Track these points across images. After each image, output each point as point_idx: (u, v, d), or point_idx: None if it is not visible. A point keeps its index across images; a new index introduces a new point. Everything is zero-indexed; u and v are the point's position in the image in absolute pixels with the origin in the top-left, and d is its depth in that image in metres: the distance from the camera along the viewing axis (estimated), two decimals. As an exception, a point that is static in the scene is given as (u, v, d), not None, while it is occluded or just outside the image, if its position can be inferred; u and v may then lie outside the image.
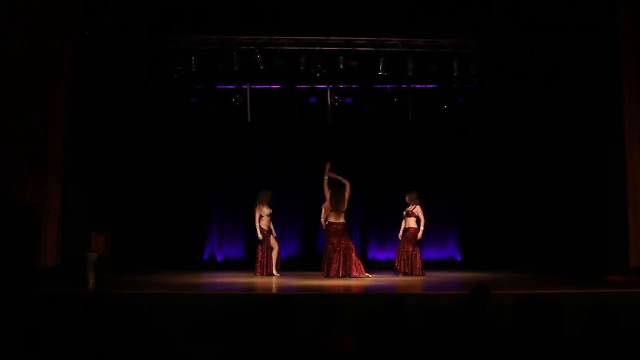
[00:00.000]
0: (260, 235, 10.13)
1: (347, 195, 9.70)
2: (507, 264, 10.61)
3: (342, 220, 9.71)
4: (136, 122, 10.69)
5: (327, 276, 9.48)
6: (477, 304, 4.25)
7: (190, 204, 11.69)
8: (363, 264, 9.75)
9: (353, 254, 9.58)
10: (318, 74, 10.50)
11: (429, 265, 11.28)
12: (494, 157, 11.49)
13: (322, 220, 10.14)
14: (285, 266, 10.67)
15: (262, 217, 10.18)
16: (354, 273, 9.49)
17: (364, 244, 12.02)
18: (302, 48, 10.34)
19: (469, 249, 11.85)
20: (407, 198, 10.30)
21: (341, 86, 11.35)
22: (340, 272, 9.45)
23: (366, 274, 9.58)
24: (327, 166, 9.88)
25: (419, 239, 10.23)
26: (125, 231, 10.07)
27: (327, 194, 9.75)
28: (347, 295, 7.43)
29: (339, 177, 9.82)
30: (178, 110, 11.43)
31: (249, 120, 11.22)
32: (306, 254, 11.93)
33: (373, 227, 12.06)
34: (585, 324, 3.28)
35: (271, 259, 10.14)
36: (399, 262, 10.15)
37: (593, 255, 9.31)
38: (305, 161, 11.78)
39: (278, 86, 11.44)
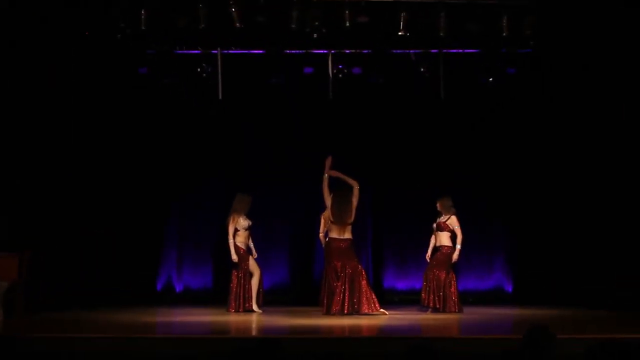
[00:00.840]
0: (235, 257, 10.12)
1: (354, 201, 9.68)
2: (575, 298, 10.59)
3: (347, 235, 9.69)
4: (64, 100, 10.65)
5: (328, 313, 9.47)
6: (535, 352, 4.23)
7: (140, 213, 11.67)
8: (377, 296, 9.74)
9: (363, 283, 9.57)
10: (316, 35, 10.47)
11: (469, 297, 11.25)
12: (558, 148, 11.46)
13: (321, 235, 10.11)
14: (269, 299, 10.65)
15: (238, 232, 10.17)
16: (365, 309, 9.48)
17: (378, 268, 12.01)
18: (294, -2, 10.31)
19: (523, 276, 11.83)
20: (438, 206, 10.29)
21: (347, 51, 11.34)
22: (346, 307, 9.44)
23: (381, 309, 9.57)
24: (328, 161, 9.86)
25: (455, 262, 10.22)
26: (49, 251, 10.03)
27: (328, 199, 9.73)
28: (355, 340, 7.41)
29: (344, 177, 9.80)
30: (122, 84, 11.41)
31: (221, 97, 11.20)
32: (299, 282, 11.92)
33: (390, 244, 12.06)
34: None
35: (250, 289, 10.14)
36: (426, 293, 10.14)
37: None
38: (297, 154, 11.77)
39: (260, 51, 11.43)
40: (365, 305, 9.49)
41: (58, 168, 10.53)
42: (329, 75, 11.21)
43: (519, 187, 11.86)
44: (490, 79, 11.47)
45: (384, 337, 7.68)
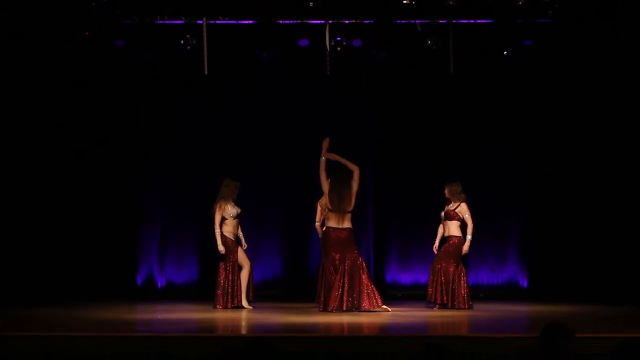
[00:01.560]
0: (222, 248, 10.12)
1: (355, 187, 9.69)
2: (597, 294, 10.61)
3: (347, 225, 9.70)
4: (31, 77, 10.62)
5: (325, 310, 9.49)
6: (552, 352, 4.23)
7: (116, 200, 11.66)
8: (379, 291, 9.76)
9: (364, 276, 9.59)
10: (311, 3, 10.45)
11: (480, 293, 11.27)
12: (580, 128, 11.45)
13: (317, 224, 10.11)
14: (260, 294, 10.67)
15: (226, 221, 10.17)
16: (366, 305, 9.50)
17: (379, 261, 12.03)
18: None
19: (539, 269, 11.85)
20: (446, 192, 10.30)
21: (346, 22, 11.31)
22: (345, 303, 9.46)
23: (384, 306, 9.59)
24: (325, 143, 9.86)
25: (465, 254, 10.23)
26: (11, 241, 10.02)
27: (325, 185, 9.73)
28: (354, 339, 7.42)
29: (343, 160, 9.80)
30: (97, 58, 11.36)
31: (206, 72, 11.18)
32: (293, 275, 11.94)
33: (394, 234, 12.07)
34: None
35: (239, 283, 10.15)
36: (433, 288, 10.15)
37: None
38: (291, 135, 11.76)
39: (250, 21, 11.40)
40: (366, 301, 9.51)
41: (29, 155, 10.50)
42: (327, 48, 11.18)
43: (535, 172, 11.84)
44: (505, 52, 11.43)
45: (387, 336, 7.70)
